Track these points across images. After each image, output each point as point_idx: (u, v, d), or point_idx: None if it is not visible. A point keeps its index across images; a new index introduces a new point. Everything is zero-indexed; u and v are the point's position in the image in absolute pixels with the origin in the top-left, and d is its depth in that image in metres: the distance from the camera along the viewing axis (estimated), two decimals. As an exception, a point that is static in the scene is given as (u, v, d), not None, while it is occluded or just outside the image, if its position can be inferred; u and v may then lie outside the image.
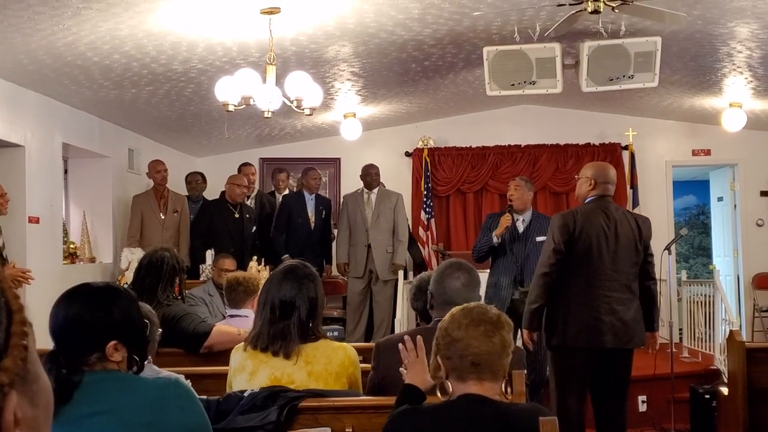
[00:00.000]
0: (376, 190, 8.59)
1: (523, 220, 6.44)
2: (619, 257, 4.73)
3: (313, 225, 8.59)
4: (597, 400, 4.89)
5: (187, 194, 8.59)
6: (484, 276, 6.21)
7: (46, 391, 0.87)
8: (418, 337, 2.72)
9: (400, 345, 2.72)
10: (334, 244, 8.94)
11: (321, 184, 9.11)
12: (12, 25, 4.82)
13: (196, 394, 2.29)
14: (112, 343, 2.18)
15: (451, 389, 2.32)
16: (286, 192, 9.19)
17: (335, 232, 9.02)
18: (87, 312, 2.21)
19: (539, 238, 6.11)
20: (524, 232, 6.39)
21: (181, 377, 2.74)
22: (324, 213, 8.73)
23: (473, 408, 2.24)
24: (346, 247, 8.50)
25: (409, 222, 9.83)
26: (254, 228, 8.33)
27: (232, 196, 8.09)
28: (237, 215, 8.11)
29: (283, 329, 3.05)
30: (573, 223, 4.71)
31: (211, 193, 8.77)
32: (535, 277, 4.81)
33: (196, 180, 8.70)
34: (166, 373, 2.85)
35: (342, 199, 9.07)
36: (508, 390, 2.37)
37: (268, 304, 3.10)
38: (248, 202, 8.58)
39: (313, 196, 8.72)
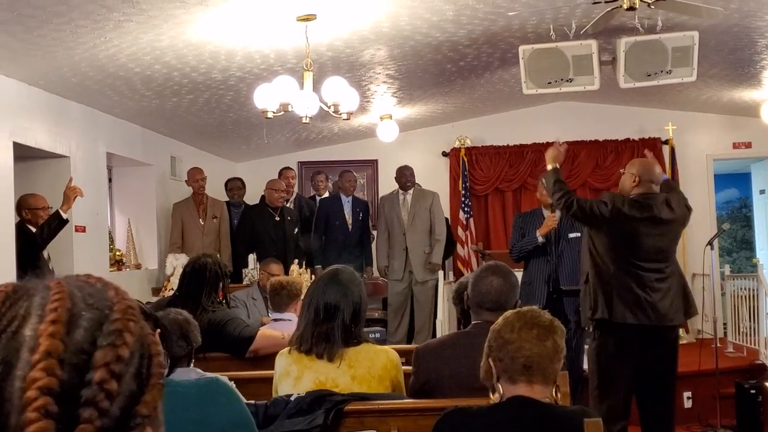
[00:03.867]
0: (411, 191, 8.62)
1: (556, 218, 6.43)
2: (664, 242, 4.86)
3: (350, 227, 8.65)
4: (643, 397, 4.90)
5: (227, 200, 8.69)
6: (518, 274, 6.29)
7: None
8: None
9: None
10: (373, 246, 9.00)
11: (357, 186, 9.17)
12: (55, 39, 4.92)
13: (236, 390, 2.37)
14: (156, 331, 2.29)
15: (501, 391, 2.35)
16: (326, 194, 9.26)
17: (374, 233, 9.08)
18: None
19: (572, 235, 6.15)
20: (557, 230, 6.39)
21: (222, 377, 2.81)
22: (361, 215, 8.79)
23: (520, 409, 2.26)
24: (385, 250, 8.53)
25: (449, 222, 9.85)
26: (296, 230, 8.42)
27: (271, 200, 8.19)
28: (278, 218, 8.20)
29: (327, 331, 3.10)
30: (620, 203, 4.83)
31: (252, 197, 8.87)
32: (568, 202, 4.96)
33: (236, 186, 8.80)
34: (210, 375, 2.93)
35: (379, 201, 9.12)
36: (558, 395, 2.38)
37: (312, 306, 3.15)
38: (288, 206, 8.67)
39: (350, 198, 8.79)
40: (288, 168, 9.07)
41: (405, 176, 8.61)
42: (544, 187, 5.37)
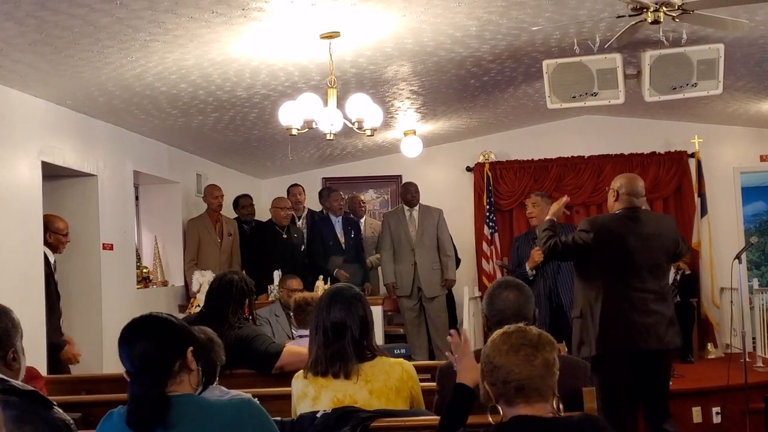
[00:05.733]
0: (417, 207, 8.66)
1: None
2: (651, 259, 4.85)
3: (344, 246, 8.65)
4: (648, 413, 4.89)
5: (236, 217, 8.72)
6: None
7: None
8: (464, 329, 2.78)
9: (449, 338, 2.81)
10: (368, 262, 8.99)
11: (344, 205, 9.12)
12: (82, 59, 4.99)
13: (268, 414, 2.39)
14: (191, 348, 2.33)
15: (502, 413, 2.33)
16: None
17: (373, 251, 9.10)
18: (162, 328, 2.38)
19: None
20: None
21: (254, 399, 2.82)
22: (353, 233, 8.79)
23: (524, 428, 2.25)
24: (391, 267, 8.55)
25: (473, 236, 9.85)
26: (303, 247, 8.46)
27: (276, 219, 8.28)
28: (285, 236, 8.26)
29: (339, 350, 3.14)
30: (599, 226, 4.90)
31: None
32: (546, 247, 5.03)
33: (248, 203, 8.82)
34: (234, 392, 2.94)
35: (382, 218, 9.11)
36: (560, 407, 2.36)
37: (320, 329, 3.19)
38: (299, 223, 8.72)
39: (340, 217, 8.80)
40: (296, 185, 9.07)
41: (410, 192, 8.71)
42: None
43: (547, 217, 5.37)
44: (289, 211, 8.36)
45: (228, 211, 8.67)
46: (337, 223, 8.77)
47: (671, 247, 4.96)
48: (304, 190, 9.06)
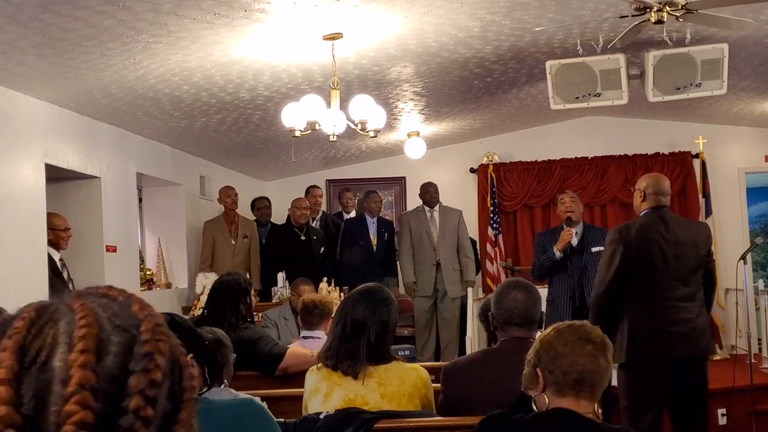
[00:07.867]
0: (437, 208, 8.63)
1: (576, 232, 6.38)
2: (681, 266, 4.74)
3: (375, 247, 8.63)
4: (675, 418, 4.81)
5: (254, 219, 8.74)
6: (543, 292, 6.21)
7: None
8: None
9: None
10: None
11: (382, 206, 9.16)
12: (85, 61, 4.99)
13: (270, 413, 2.37)
14: (190, 355, 2.30)
15: (547, 402, 2.32)
16: (353, 212, 9.27)
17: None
18: None
19: (594, 249, 6.09)
20: (579, 245, 6.34)
21: (257, 398, 2.81)
22: (386, 235, 8.78)
23: (564, 422, 2.24)
24: (412, 267, 8.51)
25: (477, 238, 9.83)
26: (322, 249, 8.44)
27: (294, 218, 8.27)
28: (303, 237, 8.25)
29: (352, 348, 3.12)
30: (629, 235, 4.73)
31: (281, 216, 8.90)
32: (591, 301, 4.90)
33: (264, 205, 8.86)
34: (243, 395, 2.93)
35: (400, 218, 9.10)
36: (599, 411, 2.35)
37: (341, 322, 3.18)
38: (314, 224, 8.71)
39: (375, 219, 8.78)
40: (315, 186, 9.12)
41: (429, 192, 8.67)
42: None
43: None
44: (306, 210, 8.37)
45: (247, 214, 8.70)
46: (372, 224, 8.77)
47: (703, 254, 4.82)
48: (323, 192, 9.11)
